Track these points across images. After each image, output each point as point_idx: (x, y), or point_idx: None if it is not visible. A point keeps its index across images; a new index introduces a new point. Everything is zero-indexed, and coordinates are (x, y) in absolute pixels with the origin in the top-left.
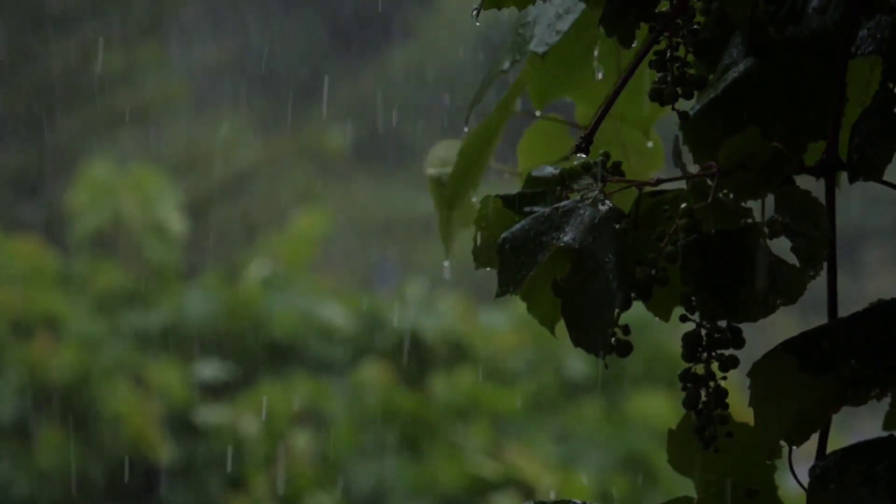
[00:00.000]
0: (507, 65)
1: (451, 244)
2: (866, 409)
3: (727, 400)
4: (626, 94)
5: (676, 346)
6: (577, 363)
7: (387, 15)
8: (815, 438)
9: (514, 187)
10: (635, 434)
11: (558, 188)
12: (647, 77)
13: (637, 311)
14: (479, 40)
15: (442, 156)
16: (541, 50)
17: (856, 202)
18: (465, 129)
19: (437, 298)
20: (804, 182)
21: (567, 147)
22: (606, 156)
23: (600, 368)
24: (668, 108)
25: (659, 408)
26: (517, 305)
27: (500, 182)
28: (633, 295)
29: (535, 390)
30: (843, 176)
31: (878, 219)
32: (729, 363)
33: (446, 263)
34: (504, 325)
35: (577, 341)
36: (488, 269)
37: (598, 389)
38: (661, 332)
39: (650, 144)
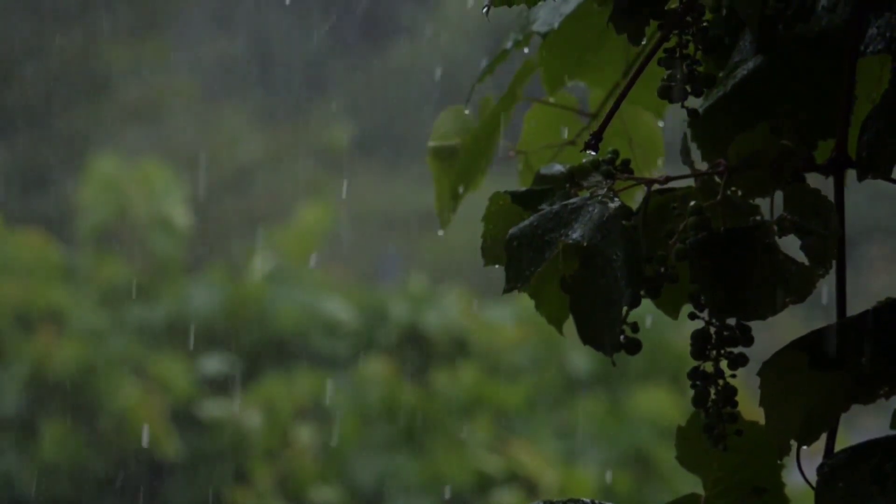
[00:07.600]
0: (509, 44)
1: (449, 217)
2: (869, 407)
3: (736, 398)
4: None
5: (679, 343)
6: (581, 359)
7: (390, 10)
8: (821, 437)
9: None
10: (638, 430)
11: (567, 185)
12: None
13: (640, 308)
14: (483, 36)
15: (445, 128)
16: (543, 30)
17: (859, 199)
18: (467, 112)
19: (441, 293)
20: (813, 180)
21: (573, 122)
22: (615, 153)
23: (603, 364)
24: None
25: (662, 404)
26: (520, 301)
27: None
28: (641, 292)
29: (538, 385)
30: (850, 173)
31: (881, 216)
32: (738, 361)
33: (441, 233)
34: (507, 320)
35: (586, 339)
36: (497, 266)
37: (601, 385)
38: (665, 329)
39: (660, 124)
